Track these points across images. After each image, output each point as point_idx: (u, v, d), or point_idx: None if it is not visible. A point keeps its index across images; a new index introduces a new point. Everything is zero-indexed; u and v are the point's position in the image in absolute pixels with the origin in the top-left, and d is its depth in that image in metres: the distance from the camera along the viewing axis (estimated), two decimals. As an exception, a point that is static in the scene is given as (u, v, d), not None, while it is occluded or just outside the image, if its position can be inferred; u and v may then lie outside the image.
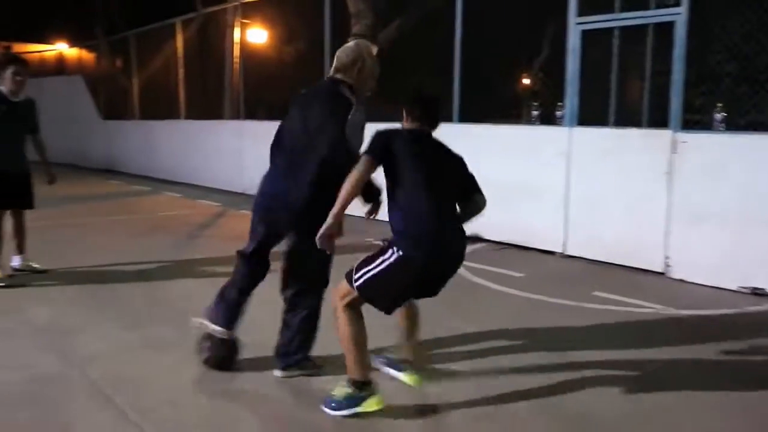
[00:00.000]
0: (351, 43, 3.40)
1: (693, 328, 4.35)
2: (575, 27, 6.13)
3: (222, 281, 3.51)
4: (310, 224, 2.94)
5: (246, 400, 3.23)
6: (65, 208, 9.67)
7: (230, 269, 3.51)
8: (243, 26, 11.92)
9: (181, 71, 13.06)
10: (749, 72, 5.80)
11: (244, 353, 3.51)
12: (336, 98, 3.19)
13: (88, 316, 4.40)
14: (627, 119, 6.62)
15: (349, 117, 3.09)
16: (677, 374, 3.53)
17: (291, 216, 3.25)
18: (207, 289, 3.93)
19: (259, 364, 3.48)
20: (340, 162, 2.96)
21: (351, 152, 3.03)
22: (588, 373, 3.50)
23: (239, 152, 10.99)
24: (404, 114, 3.15)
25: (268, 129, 3.66)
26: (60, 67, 20.33)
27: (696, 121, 5.68)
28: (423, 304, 3.28)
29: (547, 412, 3.03)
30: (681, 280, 5.42)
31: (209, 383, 3.36)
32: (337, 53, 3.34)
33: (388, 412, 2.94)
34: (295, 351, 3.40)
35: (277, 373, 3.40)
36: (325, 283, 3.40)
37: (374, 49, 3.41)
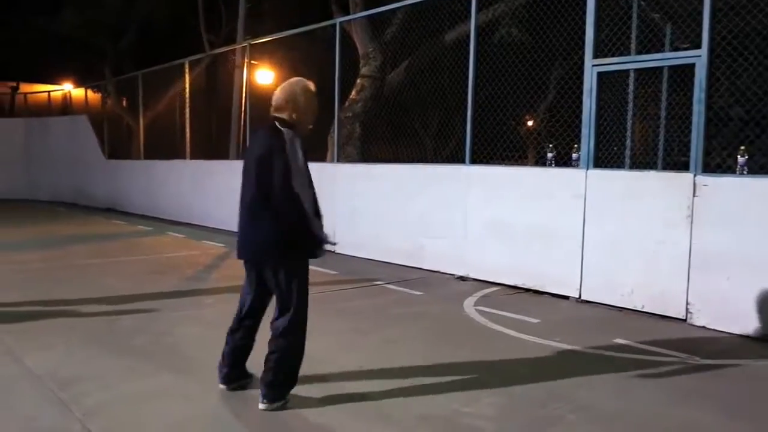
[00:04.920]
0: (285, 83, 3.50)
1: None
2: (591, 69, 6.04)
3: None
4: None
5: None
6: (68, 248, 9.53)
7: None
8: (251, 67, 11.96)
9: (187, 111, 13.06)
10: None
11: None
12: (272, 134, 3.34)
13: (90, 365, 4.19)
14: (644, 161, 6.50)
15: (287, 148, 3.23)
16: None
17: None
18: (216, 335, 3.76)
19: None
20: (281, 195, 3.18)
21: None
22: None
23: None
24: None
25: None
26: (66, 107, 20.41)
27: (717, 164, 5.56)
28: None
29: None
30: (703, 327, 5.25)
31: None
32: (274, 94, 3.48)
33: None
34: None
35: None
36: None
37: (310, 85, 3.49)
